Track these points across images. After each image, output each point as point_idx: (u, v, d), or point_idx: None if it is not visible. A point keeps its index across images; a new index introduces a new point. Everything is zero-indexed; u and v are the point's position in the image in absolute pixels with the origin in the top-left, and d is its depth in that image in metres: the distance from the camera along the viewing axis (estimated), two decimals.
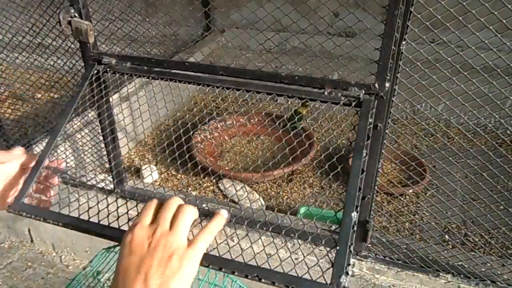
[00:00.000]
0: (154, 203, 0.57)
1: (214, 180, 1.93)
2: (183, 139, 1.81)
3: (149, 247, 0.50)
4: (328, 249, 1.14)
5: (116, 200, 0.93)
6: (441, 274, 1.19)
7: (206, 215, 1.41)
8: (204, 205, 1.40)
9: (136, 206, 0.98)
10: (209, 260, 0.65)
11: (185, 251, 0.51)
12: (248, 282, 1.41)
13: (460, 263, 1.20)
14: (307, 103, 2.09)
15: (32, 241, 1.79)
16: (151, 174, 1.94)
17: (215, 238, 0.60)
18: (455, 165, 1.82)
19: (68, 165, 1.78)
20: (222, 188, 1.88)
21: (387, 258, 1.25)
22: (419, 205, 1.78)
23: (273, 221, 1.32)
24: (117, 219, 0.83)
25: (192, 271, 0.51)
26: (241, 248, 1.35)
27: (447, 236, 1.61)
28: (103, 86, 1.27)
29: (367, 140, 1.04)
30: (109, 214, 0.81)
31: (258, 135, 2.25)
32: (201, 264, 0.55)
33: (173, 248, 0.50)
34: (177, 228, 0.52)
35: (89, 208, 0.85)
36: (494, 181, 1.06)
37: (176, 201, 0.56)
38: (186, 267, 0.50)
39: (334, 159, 1.37)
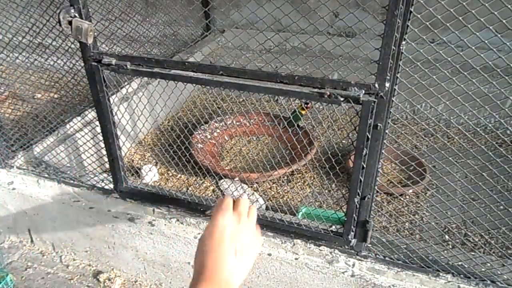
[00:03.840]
0: (230, 199, 0.76)
1: (214, 180, 1.93)
2: (183, 139, 1.82)
3: (239, 229, 0.71)
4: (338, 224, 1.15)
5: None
6: (441, 274, 1.19)
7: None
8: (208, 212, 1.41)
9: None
10: None
11: (258, 236, 0.75)
12: (247, 282, 1.41)
13: (460, 263, 1.20)
14: (308, 104, 2.10)
15: (32, 241, 1.79)
16: (150, 174, 1.94)
17: None
18: (455, 165, 1.83)
19: (68, 165, 1.78)
20: (222, 188, 1.88)
21: (387, 258, 1.25)
22: (419, 205, 1.78)
23: (273, 221, 1.32)
24: None
25: (256, 254, 0.74)
26: None
27: (447, 236, 1.61)
28: (103, 85, 1.27)
29: (367, 140, 1.04)
30: None
31: (258, 135, 2.25)
32: None
33: (252, 233, 0.73)
34: (252, 220, 0.75)
35: None
36: (494, 181, 1.06)
37: (246, 201, 0.77)
38: (258, 245, 0.75)
39: (334, 159, 1.38)
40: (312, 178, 1.96)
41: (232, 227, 0.70)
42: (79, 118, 1.96)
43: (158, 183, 1.96)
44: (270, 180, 1.94)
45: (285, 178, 1.96)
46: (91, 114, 1.98)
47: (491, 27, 0.85)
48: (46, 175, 1.66)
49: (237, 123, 2.28)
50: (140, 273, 1.62)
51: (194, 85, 1.15)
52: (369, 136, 1.03)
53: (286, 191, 1.89)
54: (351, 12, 1.34)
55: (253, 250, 0.71)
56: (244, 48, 2.54)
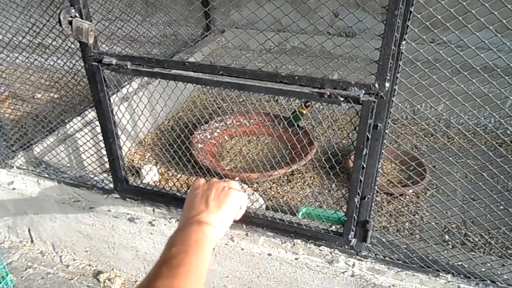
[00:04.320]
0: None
1: None
2: (183, 139, 1.82)
3: (208, 187, 0.82)
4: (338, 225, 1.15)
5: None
6: (441, 274, 1.19)
7: None
8: None
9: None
10: None
11: (230, 189, 0.82)
12: (247, 282, 1.41)
13: (460, 263, 1.20)
14: (308, 103, 2.10)
15: (32, 241, 1.79)
16: (150, 174, 1.94)
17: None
18: (455, 165, 1.83)
19: (68, 165, 1.78)
20: None
21: (387, 258, 1.25)
22: (419, 205, 1.78)
23: (273, 221, 1.32)
24: None
25: (235, 201, 0.80)
26: (241, 248, 1.35)
27: (447, 236, 1.61)
28: (103, 85, 1.27)
29: (367, 140, 1.04)
30: None
31: (258, 135, 2.25)
32: None
33: (223, 187, 0.81)
34: (227, 182, 0.84)
35: None
36: (494, 181, 1.07)
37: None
38: (231, 198, 0.80)
39: (334, 159, 1.38)
40: (312, 178, 1.96)
41: (202, 188, 0.82)
42: (79, 118, 1.96)
43: (158, 183, 1.96)
44: (270, 180, 1.94)
45: (285, 178, 1.96)
46: (91, 114, 1.98)
47: (491, 27, 0.85)
48: (46, 175, 1.67)
49: (237, 123, 2.28)
50: (140, 273, 1.62)
51: (194, 85, 1.15)
52: (369, 136, 1.03)
53: (286, 191, 1.89)
54: (351, 12, 1.34)
55: (229, 203, 0.79)
56: (244, 48, 2.54)
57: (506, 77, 0.93)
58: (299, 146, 1.53)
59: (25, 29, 1.58)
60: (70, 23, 1.12)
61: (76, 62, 1.64)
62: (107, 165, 1.52)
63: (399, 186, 1.82)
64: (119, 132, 1.39)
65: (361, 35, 2.55)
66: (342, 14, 2.37)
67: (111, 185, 1.52)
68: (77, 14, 1.12)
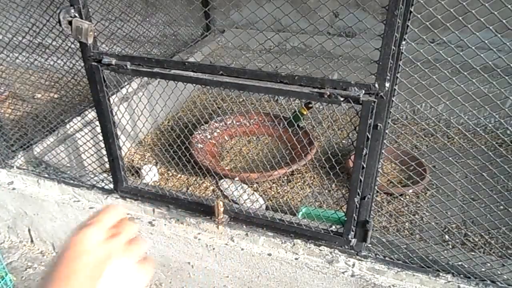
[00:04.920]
0: (114, 212, 0.50)
1: (214, 180, 1.93)
2: (183, 139, 1.82)
3: (105, 255, 0.45)
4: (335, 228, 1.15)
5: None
6: (441, 274, 1.19)
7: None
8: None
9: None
10: None
11: (142, 273, 0.49)
12: (247, 282, 1.41)
13: (460, 263, 1.20)
14: (310, 105, 2.10)
15: (32, 241, 1.79)
16: (150, 174, 1.94)
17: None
18: (455, 165, 1.83)
19: (68, 165, 1.78)
20: (222, 188, 1.88)
21: (387, 258, 1.25)
22: (419, 205, 1.78)
23: (273, 221, 1.32)
24: None
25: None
26: (241, 248, 1.35)
27: (447, 236, 1.61)
28: (103, 85, 1.27)
29: (367, 140, 1.04)
30: None
31: (258, 135, 2.25)
32: None
33: (131, 268, 0.47)
34: (135, 250, 0.49)
35: None
36: (494, 181, 1.06)
37: (132, 224, 0.51)
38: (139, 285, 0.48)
39: (334, 159, 1.38)
40: (312, 178, 1.96)
41: (99, 251, 0.45)
42: (79, 118, 1.96)
43: (158, 183, 1.96)
44: (270, 180, 1.94)
45: (285, 178, 1.96)
46: (91, 114, 1.98)
47: (491, 27, 0.85)
48: (46, 175, 1.66)
49: (237, 123, 2.28)
50: None
51: (194, 85, 1.15)
52: (369, 136, 1.03)
53: (286, 191, 1.89)
54: (351, 12, 1.34)
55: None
56: (244, 48, 2.54)
57: (506, 77, 0.93)
58: (299, 146, 1.53)
59: (25, 29, 1.58)
60: (70, 23, 1.12)
61: (76, 62, 1.64)
62: (107, 165, 1.52)
63: (399, 186, 1.82)
64: (119, 132, 1.39)
65: (361, 35, 2.55)
66: (342, 14, 2.37)
67: (111, 185, 1.52)
68: (76, 14, 1.12)
